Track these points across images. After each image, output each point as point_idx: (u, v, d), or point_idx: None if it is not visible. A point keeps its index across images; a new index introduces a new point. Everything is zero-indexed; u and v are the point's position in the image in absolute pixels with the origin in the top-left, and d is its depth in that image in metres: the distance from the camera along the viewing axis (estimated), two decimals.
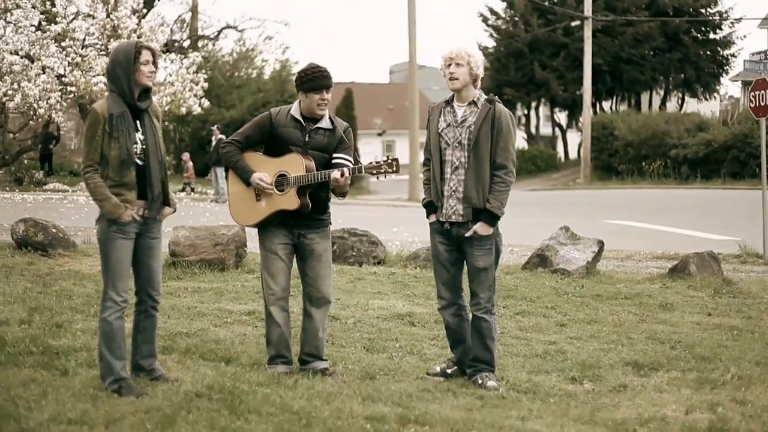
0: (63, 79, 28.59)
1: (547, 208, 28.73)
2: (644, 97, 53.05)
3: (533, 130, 55.06)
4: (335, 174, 6.77)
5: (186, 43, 42.51)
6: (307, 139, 6.98)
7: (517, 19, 50.84)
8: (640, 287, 11.68)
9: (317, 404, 6.09)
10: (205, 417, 5.73)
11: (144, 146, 6.46)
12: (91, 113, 6.41)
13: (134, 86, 6.41)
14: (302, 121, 7.00)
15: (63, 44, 28.79)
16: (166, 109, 30.44)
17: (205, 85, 32.65)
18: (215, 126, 30.95)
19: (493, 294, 7.00)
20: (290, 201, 6.91)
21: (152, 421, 5.61)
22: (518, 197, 37.32)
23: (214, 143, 29.67)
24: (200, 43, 43.70)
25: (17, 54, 28.35)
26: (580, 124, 47.33)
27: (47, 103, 27.88)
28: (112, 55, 6.51)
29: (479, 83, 6.97)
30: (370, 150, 60.40)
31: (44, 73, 28.11)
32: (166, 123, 43.02)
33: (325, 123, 7.03)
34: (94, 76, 29.15)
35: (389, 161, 6.85)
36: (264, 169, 6.99)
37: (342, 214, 22.50)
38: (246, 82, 44.47)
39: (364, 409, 6.06)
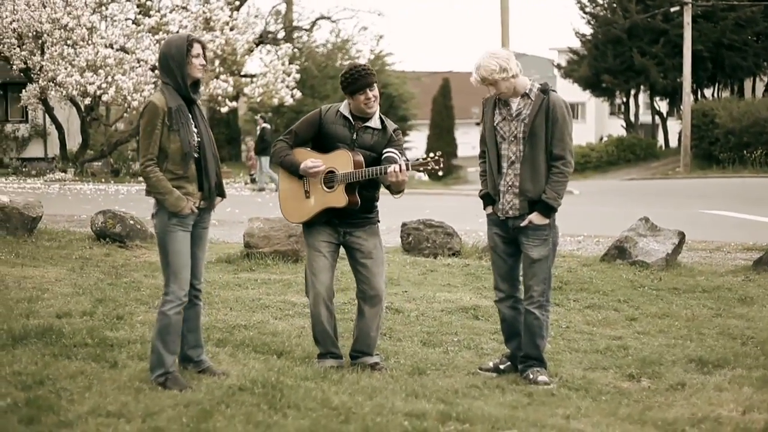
0: (156, 71, 29.03)
1: (643, 197, 28.19)
2: (747, 84, 51.67)
3: (632, 118, 54.07)
4: (391, 168, 6.65)
5: (281, 35, 42.82)
6: (354, 137, 6.91)
7: (615, 5, 49.94)
8: (721, 280, 11.30)
9: (359, 400, 6.01)
10: (243, 411, 5.70)
11: (199, 138, 6.47)
12: (149, 107, 6.41)
13: (187, 79, 6.42)
14: (351, 119, 6.92)
15: (157, 37, 29.24)
16: (258, 100, 30.71)
17: (297, 76, 32.80)
18: (259, 115, 30.89)
19: (548, 289, 6.83)
20: (339, 198, 6.83)
21: (189, 415, 5.60)
22: (615, 186, 36.81)
23: (258, 133, 29.54)
24: (295, 34, 43.93)
25: (111, 47, 28.85)
26: (680, 112, 46.34)
27: (141, 95, 28.32)
28: (163, 48, 6.52)
29: (519, 75, 6.70)
30: (467, 140, 60.03)
31: (139, 66, 28.57)
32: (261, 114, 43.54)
33: (374, 122, 6.95)
34: None
35: (435, 158, 6.73)
36: None
37: (430, 204, 22.45)
38: (340, 72, 44.37)
39: (405, 405, 5.96)
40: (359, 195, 6.88)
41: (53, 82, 28.08)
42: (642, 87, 50.85)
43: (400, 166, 6.62)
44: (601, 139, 55.92)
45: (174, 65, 6.38)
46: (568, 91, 66.08)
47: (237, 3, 33.40)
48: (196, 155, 6.44)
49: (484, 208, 7.00)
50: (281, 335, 7.95)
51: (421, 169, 6.75)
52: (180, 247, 6.40)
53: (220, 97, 30.19)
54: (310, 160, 6.88)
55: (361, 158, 6.83)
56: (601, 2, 51.11)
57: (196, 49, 6.41)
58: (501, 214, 6.83)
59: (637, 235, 12.46)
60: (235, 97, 33.69)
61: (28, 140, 36.82)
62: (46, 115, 33.87)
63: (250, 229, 12.32)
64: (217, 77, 30.13)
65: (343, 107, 6.98)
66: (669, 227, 12.88)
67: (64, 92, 28.15)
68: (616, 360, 7.46)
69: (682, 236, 12.47)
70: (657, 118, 54.36)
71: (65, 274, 10.56)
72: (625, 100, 53.91)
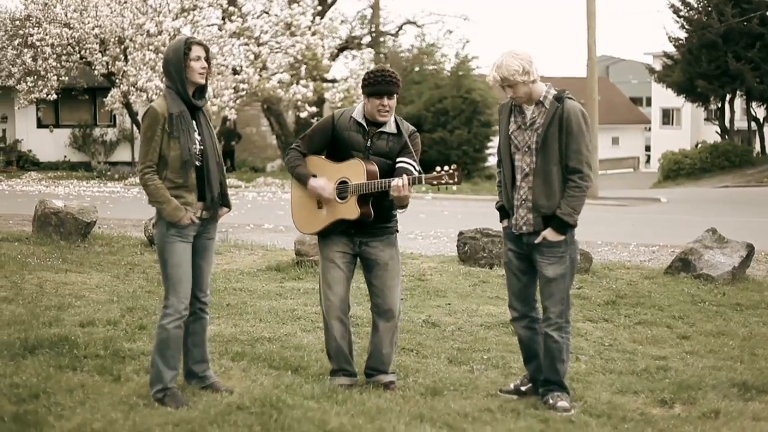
0: (236, 76, 29.04)
1: (730, 206, 27.24)
2: None
3: (728, 124, 52.64)
4: (395, 182, 6.31)
5: (366, 39, 42.65)
6: (369, 143, 6.56)
7: (710, 9, 48.70)
8: None
9: (359, 422, 5.67)
10: None
11: (202, 146, 6.23)
12: (150, 112, 6.20)
13: (187, 84, 6.18)
14: (365, 125, 6.58)
15: (238, 42, 29.28)
16: (339, 105, 30.51)
17: None
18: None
19: (567, 309, 6.38)
20: (351, 210, 6.50)
21: None
22: (707, 194, 35.75)
23: None
24: (380, 39, 43.73)
25: None
26: None
27: (221, 100, 28.35)
28: (165, 52, 6.29)
29: (537, 80, 6.29)
30: None
31: (220, 74, 28.55)
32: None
33: (389, 127, 6.57)
34: (272, 75, 29.58)
35: (450, 172, 6.32)
36: (325, 174, 6.60)
37: None
38: (425, 77, 44.00)
39: (407, 429, 5.62)
40: (375, 205, 6.54)
41: (134, 87, 28.24)
42: (738, 92, 49.47)
43: (403, 182, 6.27)
44: (697, 145, 54.53)
45: (173, 70, 6.15)
46: (663, 96, 64.68)
47: (320, 8, 33.28)
48: (198, 164, 6.19)
49: (501, 221, 6.61)
50: (304, 349, 7.63)
51: (435, 182, 6.36)
52: (179, 260, 6.14)
53: (299, 102, 30.05)
54: (322, 181, 6.57)
55: (375, 168, 6.47)
56: (695, 6, 49.88)
57: (196, 51, 6.15)
58: (515, 230, 6.42)
59: (703, 247, 11.89)
60: (318, 102, 33.55)
61: (116, 144, 37.20)
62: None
63: (301, 237, 12.03)
64: (297, 82, 30.01)
65: (356, 113, 6.62)
66: (751, 238, 12.26)
67: (145, 96, 28.28)
68: (651, 383, 6.98)
69: (750, 248, 11.86)
70: (753, 124, 52.85)
71: (108, 281, 10.43)
72: (720, 105, 52.51)
